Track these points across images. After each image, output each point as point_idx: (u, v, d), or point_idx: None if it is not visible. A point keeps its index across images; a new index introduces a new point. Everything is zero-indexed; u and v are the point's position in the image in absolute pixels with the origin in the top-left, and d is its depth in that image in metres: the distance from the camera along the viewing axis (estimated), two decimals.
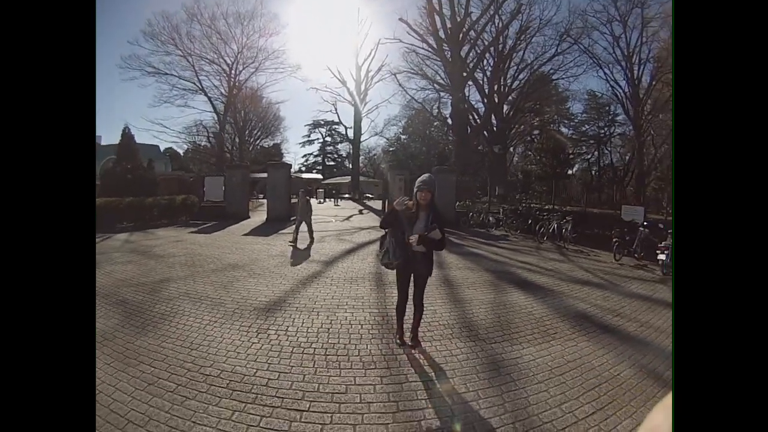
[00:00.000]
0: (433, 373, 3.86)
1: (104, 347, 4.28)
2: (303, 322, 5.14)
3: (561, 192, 29.05)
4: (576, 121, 47.41)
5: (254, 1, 51.57)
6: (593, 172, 48.23)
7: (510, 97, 40.05)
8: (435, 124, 49.91)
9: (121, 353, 4.15)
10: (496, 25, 35.74)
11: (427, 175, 4.32)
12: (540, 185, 31.32)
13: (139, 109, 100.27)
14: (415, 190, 4.20)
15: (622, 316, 5.95)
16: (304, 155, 79.07)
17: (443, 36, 31.94)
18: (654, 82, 34.10)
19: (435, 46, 32.93)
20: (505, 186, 29.30)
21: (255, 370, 3.80)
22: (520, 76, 39.30)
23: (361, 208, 30.33)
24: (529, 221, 16.32)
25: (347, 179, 54.22)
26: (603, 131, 45.58)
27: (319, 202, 37.83)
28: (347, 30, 66.05)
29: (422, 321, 4.70)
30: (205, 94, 42.75)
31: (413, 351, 4.30)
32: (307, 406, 3.22)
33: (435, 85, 38.88)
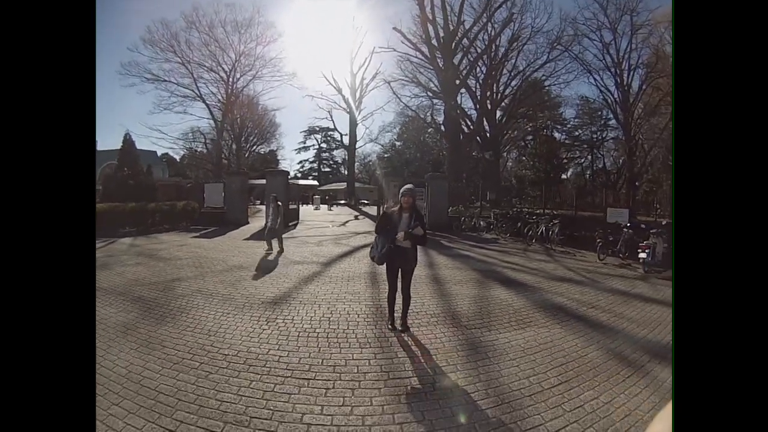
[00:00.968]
0: (419, 352, 4.50)
1: (129, 335, 4.85)
2: (306, 313, 5.77)
3: (554, 196, 29.64)
4: (569, 126, 48.06)
5: (251, 10, 52.13)
6: (587, 176, 48.80)
7: (503, 104, 40.64)
8: (429, 130, 50.54)
9: (145, 339, 4.72)
10: (489, 33, 36.46)
11: (410, 184, 5.22)
12: (533, 190, 31.84)
13: (137, 115, 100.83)
14: (399, 196, 5.03)
15: (596, 308, 6.55)
16: (300, 161, 79.79)
17: (436, 44, 32.57)
18: (644, 87, 34.88)
19: (428, 54, 33.54)
20: (498, 191, 29.85)
21: (267, 350, 4.42)
22: (513, 83, 39.94)
23: (357, 213, 30.91)
24: (519, 225, 16.96)
25: (343, 185, 54.77)
26: (596, 136, 46.16)
27: (315, 209, 38.37)
28: (342, 38, 67.06)
29: (411, 311, 5.42)
30: (203, 101, 43.37)
31: (403, 334, 4.96)
32: (313, 375, 3.85)
33: (428, 92, 39.50)
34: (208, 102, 43.71)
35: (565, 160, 48.29)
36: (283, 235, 15.39)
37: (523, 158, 51.24)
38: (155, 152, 52.54)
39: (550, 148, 45.48)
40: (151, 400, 3.37)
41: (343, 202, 48.44)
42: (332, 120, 51.77)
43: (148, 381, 3.71)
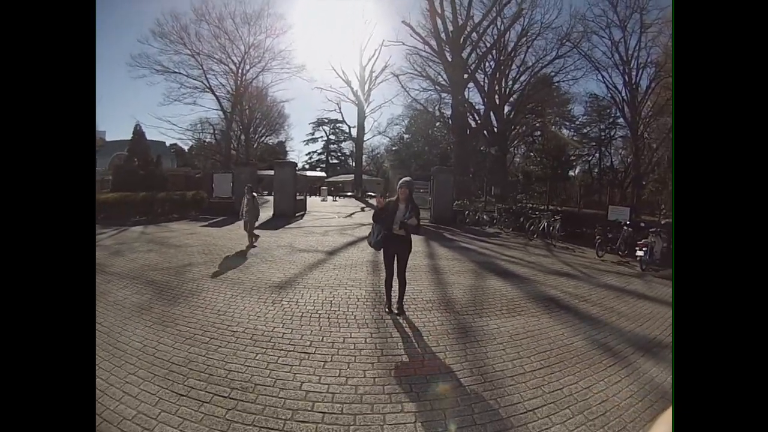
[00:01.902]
0: (411, 333, 4.85)
1: (144, 314, 5.25)
2: (310, 296, 6.15)
3: (560, 193, 29.67)
4: (577, 123, 47.51)
5: (261, 2, 52.44)
6: (594, 173, 48.47)
7: (511, 99, 40.47)
8: (437, 124, 50.51)
9: (159, 318, 5.11)
10: (498, 28, 36.07)
11: (407, 177, 5.64)
12: (540, 186, 31.76)
13: (147, 106, 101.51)
14: (397, 187, 5.40)
15: (588, 301, 6.81)
16: (308, 153, 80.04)
17: (445, 38, 32.42)
18: (653, 85, 34.25)
19: (437, 48, 33.44)
20: (504, 186, 29.87)
21: (272, 328, 4.80)
22: (521, 78, 39.58)
23: (363, 205, 31.17)
24: (521, 219, 17.15)
25: (351, 177, 55.00)
26: (604, 133, 45.78)
27: (323, 200, 38.74)
28: (352, 31, 67.05)
29: (408, 297, 5.77)
30: (213, 93, 43.62)
31: (398, 317, 5.31)
32: (313, 350, 4.23)
33: (437, 86, 39.43)
34: (217, 93, 44.05)
35: (572, 157, 47.98)
36: (288, 226, 15.95)
37: (531, 154, 51.07)
38: (164, 143, 52.93)
39: (558, 144, 45.23)
40: (164, 370, 3.76)
41: (350, 193, 48.72)
42: (341, 112, 52.22)
43: (162, 353, 4.10)
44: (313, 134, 77.60)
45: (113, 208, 17.68)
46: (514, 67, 39.66)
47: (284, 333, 4.67)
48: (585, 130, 47.53)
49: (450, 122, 37.14)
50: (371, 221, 5.57)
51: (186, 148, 59.54)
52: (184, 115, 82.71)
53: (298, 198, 21.86)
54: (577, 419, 3.25)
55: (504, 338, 4.85)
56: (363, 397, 3.36)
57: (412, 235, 5.47)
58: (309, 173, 46.83)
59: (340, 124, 63.83)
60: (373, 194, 47.42)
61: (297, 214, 20.71)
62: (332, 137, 77.35)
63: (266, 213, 20.08)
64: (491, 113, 38.26)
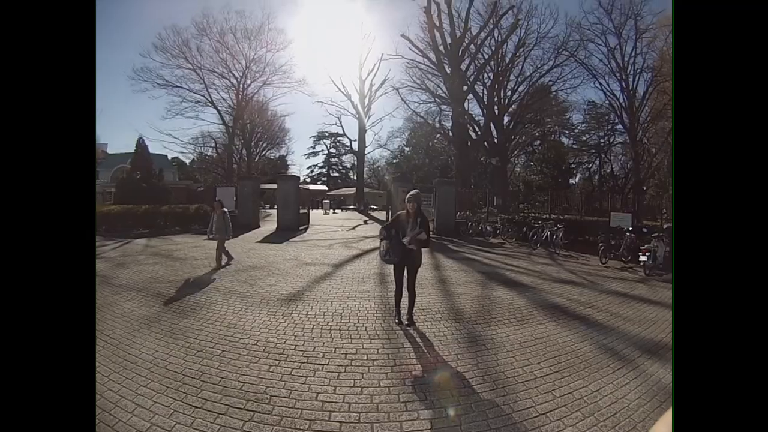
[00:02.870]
0: (422, 343, 4.90)
1: (153, 326, 5.31)
2: (320, 308, 6.20)
3: (562, 202, 29.69)
4: (576, 131, 47.53)
5: (261, 17, 53.13)
6: (594, 181, 48.46)
7: (510, 109, 40.63)
8: (437, 136, 50.64)
9: (169, 330, 5.16)
10: (495, 39, 36.37)
11: (415, 190, 5.63)
12: (541, 195, 31.81)
13: (148, 119, 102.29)
14: (405, 201, 5.46)
15: (593, 308, 6.86)
16: (310, 167, 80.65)
17: (443, 51, 32.70)
18: (651, 90, 34.41)
19: (436, 60, 33.71)
20: (505, 197, 29.95)
21: (284, 340, 4.85)
22: (520, 88, 39.78)
23: (366, 218, 31.23)
24: (524, 229, 17.25)
25: (352, 190, 55.18)
26: (603, 140, 45.78)
27: (325, 213, 38.84)
28: (351, 45, 67.63)
29: (417, 308, 5.80)
30: (215, 107, 43.96)
31: (408, 328, 5.34)
32: (327, 361, 4.27)
33: (436, 98, 39.68)
34: (219, 107, 44.38)
35: (572, 165, 48.13)
36: (293, 239, 15.97)
37: (531, 163, 51.22)
38: (166, 156, 53.17)
39: (558, 153, 45.39)
40: (177, 382, 3.79)
41: (352, 207, 48.83)
42: (341, 126, 52.48)
43: (174, 366, 4.14)
44: (314, 148, 78.31)
45: (116, 220, 17.88)
46: (512, 77, 39.97)
47: (296, 345, 4.72)
48: (584, 138, 47.60)
49: (450, 134, 37.28)
50: (379, 235, 5.64)
51: (187, 161, 60.00)
52: (185, 129, 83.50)
53: (301, 212, 21.97)
54: (588, 421, 3.30)
55: (513, 346, 4.89)
56: (379, 406, 3.41)
57: (422, 249, 5.52)
58: (311, 187, 46.92)
59: (341, 138, 64.16)
60: (374, 207, 47.61)
61: (300, 228, 20.79)
62: (333, 151, 77.98)
63: (270, 227, 20.22)
64: (491, 124, 38.43)
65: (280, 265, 10.01)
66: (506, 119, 40.63)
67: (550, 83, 39.65)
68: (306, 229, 21.21)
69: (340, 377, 3.93)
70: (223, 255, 9.85)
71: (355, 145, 50.35)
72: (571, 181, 47.74)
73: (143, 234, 16.73)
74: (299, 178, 24.26)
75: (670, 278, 9.86)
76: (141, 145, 23.88)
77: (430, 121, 43.92)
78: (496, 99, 39.61)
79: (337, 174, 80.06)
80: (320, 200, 47.48)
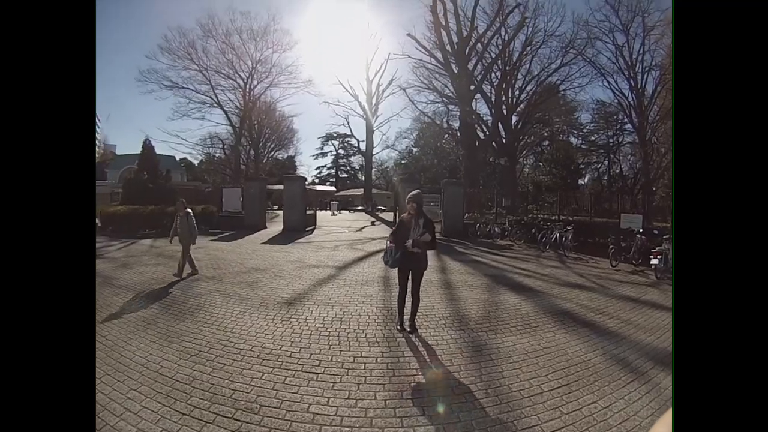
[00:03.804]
0: (424, 352, 4.68)
1: (149, 328, 5.23)
2: (320, 313, 6.01)
3: (571, 202, 29.33)
4: (585, 130, 47.03)
5: (267, 18, 53.11)
6: (603, 181, 47.90)
7: (518, 109, 40.22)
8: (445, 136, 50.32)
9: (164, 333, 5.04)
10: (502, 37, 35.81)
11: (415, 191, 5.41)
12: (550, 196, 31.46)
13: (156, 121, 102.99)
14: (405, 203, 5.24)
15: (604, 314, 6.61)
16: (318, 167, 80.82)
17: (450, 50, 32.37)
18: (659, 89, 33.52)
19: (442, 60, 33.37)
20: (514, 197, 29.61)
21: (280, 346, 4.68)
22: (528, 88, 39.18)
23: (373, 219, 31.11)
24: (533, 231, 16.96)
25: (360, 191, 55.09)
26: (612, 140, 45.23)
27: (332, 214, 38.77)
28: (358, 45, 67.56)
29: (420, 313, 5.62)
30: (222, 108, 43.76)
31: (411, 335, 5.14)
32: (322, 370, 4.09)
33: (444, 98, 39.30)
34: (225, 108, 44.31)
35: (581, 166, 47.63)
36: (298, 240, 15.83)
37: (540, 164, 50.75)
38: (174, 157, 53.38)
39: (567, 153, 44.91)
40: (167, 387, 3.67)
41: (360, 207, 48.78)
42: (349, 126, 52.65)
43: (166, 370, 4.02)
44: (322, 149, 78.26)
45: (122, 220, 17.87)
46: (519, 76, 39.51)
47: (292, 351, 4.54)
48: (593, 138, 47.08)
49: (458, 134, 36.98)
50: (386, 240, 5.44)
51: (196, 162, 60.18)
52: (193, 130, 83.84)
53: (307, 212, 21.85)
54: None
55: (520, 356, 4.67)
56: (373, 421, 3.21)
57: (427, 252, 5.28)
58: (318, 188, 46.91)
59: (349, 138, 64.19)
60: (382, 208, 47.50)
61: (307, 229, 20.67)
62: (341, 151, 78.01)
63: (277, 228, 20.12)
64: (499, 124, 38.08)
65: (284, 267, 9.86)
66: (514, 119, 40.26)
67: (558, 82, 39.06)
68: (313, 230, 21.11)
69: (335, 387, 3.74)
70: (187, 264, 8.83)
71: (362, 146, 50.25)
72: (580, 181, 47.21)
73: (149, 234, 16.66)
74: (305, 178, 24.12)
75: None
76: (147, 146, 23.81)
77: (438, 122, 43.69)
78: (504, 98, 39.22)
79: (345, 175, 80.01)
80: (328, 201, 47.49)
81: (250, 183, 22.48)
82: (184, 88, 42.22)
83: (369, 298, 6.98)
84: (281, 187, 22.68)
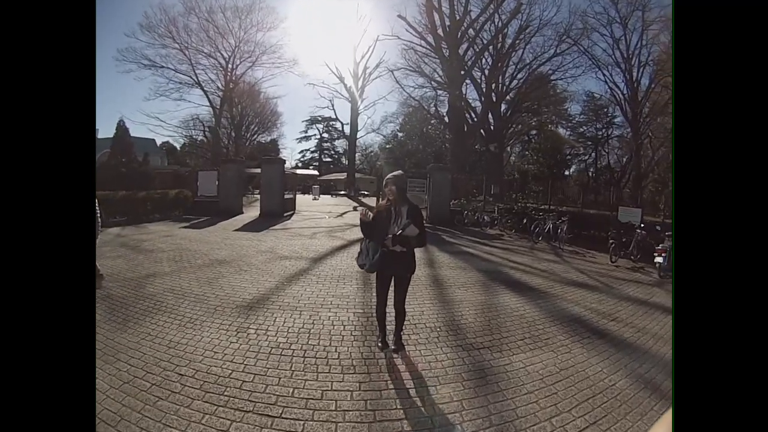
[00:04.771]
0: (414, 382, 3.63)
1: None
2: (284, 322, 4.95)
3: (557, 192, 28.94)
4: (574, 122, 47.35)
5: None
6: (590, 173, 48.12)
7: (508, 97, 39.83)
8: (432, 122, 49.69)
9: (100, 350, 3.96)
10: (496, 24, 35.40)
11: (397, 171, 4.20)
12: (536, 185, 31.24)
13: (136, 103, 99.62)
14: (383, 186, 4.02)
15: (617, 321, 5.81)
16: (301, 151, 79.59)
17: (442, 34, 31.50)
18: (653, 85, 33.78)
19: (433, 43, 32.46)
20: (501, 185, 29.01)
21: (230, 372, 3.60)
22: (519, 76, 39.10)
23: (356, 204, 30.15)
24: (524, 221, 16.22)
25: (343, 176, 54.18)
26: (600, 133, 45.44)
27: (314, 199, 37.61)
28: (346, 26, 66.00)
29: (408, 322, 4.57)
30: (201, 88, 42.09)
31: (395, 355, 4.08)
32: (279, 412, 3.02)
33: (432, 82, 38.52)
34: (206, 89, 42.58)
35: (568, 156, 47.65)
36: (274, 227, 14.76)
37: (527, 153, 50.66)
38: (154, 140, 51.74)
39: (555, 143, 44.85)
40: None
41: (342, 192, 47.90)
42: (333, 109, 51.37)
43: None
44: (306, 132, 76.88)
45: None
46: (511, 64, 39.06)
47: (243, 381, 3.46)
48: (581, 129, 47.18)
49: (446, 119, 36.21)
50: (363, 236, 4.20)
51: (178, 146, 58.27)
52: (172, 111, 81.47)
53: (286, 197, 20.66)
54: None
55: (534, 382, 3.73)
56: None
57: (414, 250, 4.10)
58: (299, 171, 45.72)
59: (334, 122, 62.82)
60: (365, 193, 46.55)
61: (285, 214, 19.56)
62: (326, 135, 76.75)
63: (254, 213, 19.00)
64: (488, 111, 37.46)
65: (252, 259, 8.71)
66: (503, 107, 39.83)
67: (550, 72, 38.96)
68: (291, 215, 19.96)
69: None
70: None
71: (347, 129, 49.12)
72: (566, 172, 47.20)
73: (120, 222, 15.33)
74: (284, 161, 22.70)
75: None
76: (121, 127, 22.25)
77: (426, 106, 42.83)
78: (494, 86, 38.66)
79: (329, 159, 78.87)
80: (311, 185, 46.43)
81: (227, 165, 21.04)
82: (163, 67, 40.40)
83: (345, 300, 5.93)
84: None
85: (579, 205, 21.17)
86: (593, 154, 48.37)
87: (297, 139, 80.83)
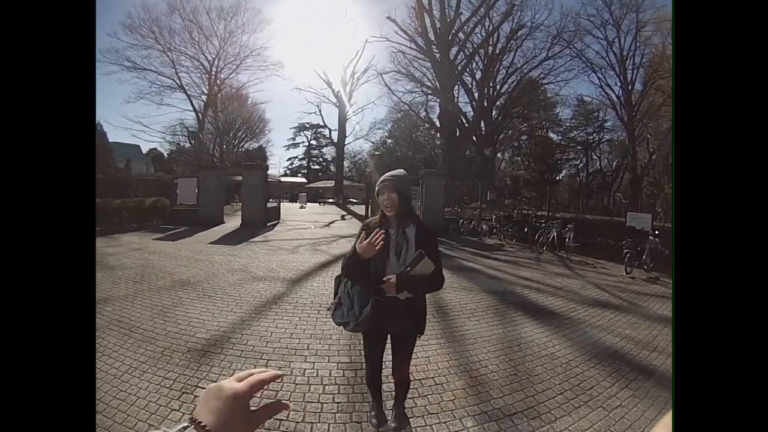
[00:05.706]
0: None
1: None
2: None
3: (550, 198, 28.27)
4: (564, 126, 47.17)
5: None
6: (580, 178, 47.68)
7: (499, 102, 39.28)
8: (422, 128, 48.94)
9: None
10: (486, 27, 35.05)
11: (399, 170, 2.60)
12: (528, 191, 30.52)
13: (116, 106, 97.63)
14: (376, 194, 2.52)
15: (659, 352, 4.80)
16: (289, 158, 78.64)
17: (432, 37, 30.90)
18: (647, 88, 33.61)
19: (424, 46, 31.83)
20: (495, 191, 28.22)
21: None
22: (510, 80, 38.77)
23: (344, 213, 29.01)
24: (525, 229, 15.19)
25: (332, 183, 53.22)
26: (591, 137, 45.14)
27: (301, 207, 36.31)
28: (334, 29, 65.04)
29: (411, 377, 3.31)
30: (185, 92, 40.89)
31: None
32: None
33: (422, 87, 37.79)
34: (189, 93, 41.28)
35: (559, 161, 47.25)
36: (253, 239, 13.52)
37: (518, 158, 50.13)
38: (138, 146, 50.22)
39: (546, 148, 44.36)
40: None
41: (331, 200, 46.82)
42: (321, 114, 50.26)
43: None
44: (294, 139, 75.76)
45: None
46: (502, 68, 38.69)
47: None
48: (572, 134, 46.96)
49: (437, 124, 35.44)
50: (343, 276, 2.58)
51: (165, 153, 56.70)
52: (155, 116, 79.94)
53: (270, 206, 19.39)
54: None
55: None
56: None
57: (425, 295, 2.67)
58: (284, 179, 44.63)
59: (322, 129, 61.80)
60: (354, 201, 45.45)
61: (268, 224, 18.28)
62: (314, 142, 75.62)
63: (235, 222, 17.76)
64: (480, 115, 36.88)
65: (220, 281, 7.42)
66: (494, 112, 39.35)
67: (542, 76, 38.72)
68: (275, 225, 18.69)
69: None
70: None
71: (335, 135, 48.06)
72: (557, 177, 46.77)
73: None
74: (267, 167, 21.35)
75: None
76: (99, 132, 20.97)
77: (416, 111, 42.11)
78: (485, 90, 38.16)
79: (317, 166, 77.74)
80: (298, 193, 45.31)
81: (207, 172, 19.59)
82: (145, 69, 39.18)
83: (326, 344, 4.57)
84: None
85: (572, 210, 20.41)
86: (584, 159, 47.97)
87: (285, 146, 79.98)
